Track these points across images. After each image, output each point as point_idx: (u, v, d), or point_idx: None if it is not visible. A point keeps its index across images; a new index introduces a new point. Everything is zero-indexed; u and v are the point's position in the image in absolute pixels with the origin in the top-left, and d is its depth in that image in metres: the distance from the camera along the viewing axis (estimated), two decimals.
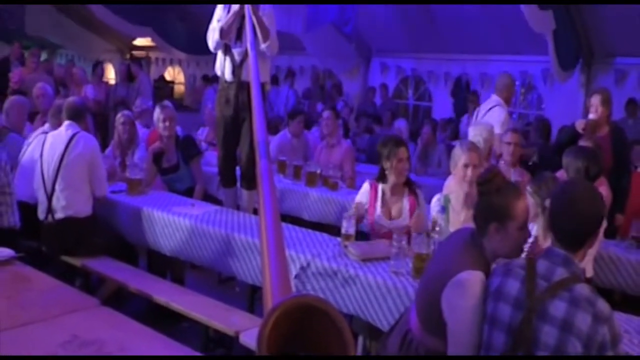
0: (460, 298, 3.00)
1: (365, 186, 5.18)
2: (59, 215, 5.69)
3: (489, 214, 3.13)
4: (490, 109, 7.49)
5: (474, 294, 2.98)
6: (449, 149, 6.69)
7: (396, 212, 5.04)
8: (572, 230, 2.84)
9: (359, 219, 5.10)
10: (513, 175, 5.99)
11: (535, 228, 4.38)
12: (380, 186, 5.08)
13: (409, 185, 5.09)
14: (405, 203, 5.03)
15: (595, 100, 6.44)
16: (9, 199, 5.20)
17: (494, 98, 7.58)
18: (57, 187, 5.68)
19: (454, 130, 10.78)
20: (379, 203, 5.06)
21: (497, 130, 6.83)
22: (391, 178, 4.99)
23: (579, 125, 6.37)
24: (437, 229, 4.68)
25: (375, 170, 5.30)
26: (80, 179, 5.75)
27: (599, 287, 4.95)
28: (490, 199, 3.14)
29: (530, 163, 7.33)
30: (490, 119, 7.25)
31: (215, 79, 14.79)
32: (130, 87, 13.54)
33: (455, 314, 3.02)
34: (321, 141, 8.36)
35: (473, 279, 3.01)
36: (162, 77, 19.36)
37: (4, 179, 5.14)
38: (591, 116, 6.42)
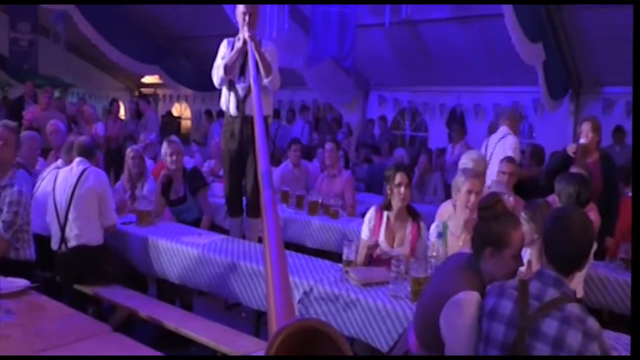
0: (458, 317, 3.02)
1: (371, 212, 5.17)
2: (72, 243, 5.72)
3: (486, 238, 3.17)
4: (502, 138, 7.76)
5: (470, 313, 3.01)
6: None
7: (399, 240, 5.03)
8: (565, 256, 2.87)
9: (370, 255, 5.07)
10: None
11: (528, 253, 4.41)
12: (385, 213, 5.09)
13: (413, 215, 5.10)
14: (408, 231, 5.03)
15: (586, 127, 6.51)
16: (26, 236, 5.23)
17: (503, 128, 7.89)
18: (69, 217, 5.72)
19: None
20: (383, 229, 5.06)
21: (512, 155, 7.14)
22: (394, 204, 5.02)
23: (570, 149, 6.43)
24: (434, 254, 4.70)
25: (374, 199, 5.35)
26: (91, 209, 5.79)
27: (589, 307, 4.94)
28: (489, 225, 3.18)
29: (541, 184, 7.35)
30: (504, 146, 7.56)
31: (220, 113, 14.92)
32: (139, 123, 13.64)
33: (452, 332, 3.05)
34: (322, 172, 8.40)
35: (470, 299, 3.04)
36: (169, 113, 19.44)
37: (26, 217, 5.17)
38: (582, 141, 6.47)
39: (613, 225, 6.29)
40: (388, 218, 5.07)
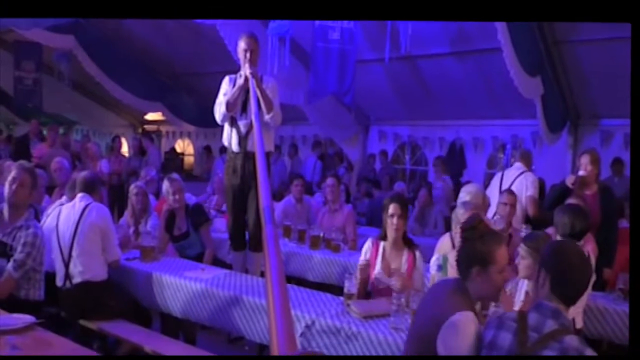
0: (457, 339, 3.08)
1: (368, 244, 5.27)
2: (77, 279, 5.72)
3: (472, 258, 3.27)
4: (521, 173, 7.94)
5: (469, 333, 3.08)
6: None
7: (395, 270, 5.08)
8: (565, 288, 2.91)
9: (365, 279, 5.16)
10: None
11: (526, 284, 4.44)
12: (381, 243, 5.16)
13: (408, 245, 5.14)
14: (404, 260, 5.09)
15: (585, 159, 6.56)
16: (38, 276, 5.25)
17: (518, 165, 8.15)
18: (73, 253, 5.72)
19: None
20: (379, 259, 5.13)
21: (531, 191, 7.56)
22: (389, 234, 5.08)
23: (569, 180, 6.47)
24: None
25: (375, 232, 5.38)
26: (94, 245, 5.79)
27: (588, 338, 4.98)
28: (474, 245, 3.28)
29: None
30: (526, 182, 7.80)
31: (223, 149, 14.96)
32: (142, 160, 13.72)
33: (452, 353, 3.08)
34: (324, 206, 8.43)
35: (465, 319, 3.11)
36: (173, 149, 19.50)
37: (39, 258, 5.20)
38: (581, 173, 6.51)
39: (612, 256, 6.32)
40: (384, 248, 5.16)
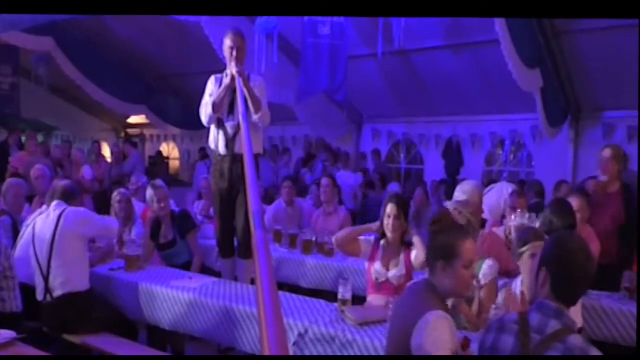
0: (429, 339, 3.08)
1: (371, 238, 5.32)
2: (58, 292, 5.68)
3: (436, 252, 3.33)
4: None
5: (441, 332, 3.10)
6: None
7: (394, 265, 5.10)
8: (568, 285, 2.89)
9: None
10: None
11: (519, 284, 4.44)
12: (381, 242, 5.20)
13: (406, 245, 5.15)
14: (402, 257, 5.11)
15: (606, 154, 6.50)
16: (11, 283, 5.23)
17: None
18: (52, 264, 5.67)
19: (446, 192, 10.79)
20: (379, 255, 5.17)
21: None
22: (387, 234, 5.10)
23: (590, 186, 6.42)
24: None
25: (368, 235, 5.37)
26: (75, 253, 5.77)
27: (592, 340, 4.95)
28: (438, 239, 3.36)
29: None
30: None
31: (204, 153, 14.95)
32: (124, 165, 13.69)
33: (432, 351, 3.06)
34: (317, 209, 8.39)
35: (435, 318, 3.13)
36: (159, 153, 19.41)
37: (5, 263, 5.17)
38: (602, 178, 6.47)
39: (632, 257, 6.27)
40: (383, 247, 5.20)
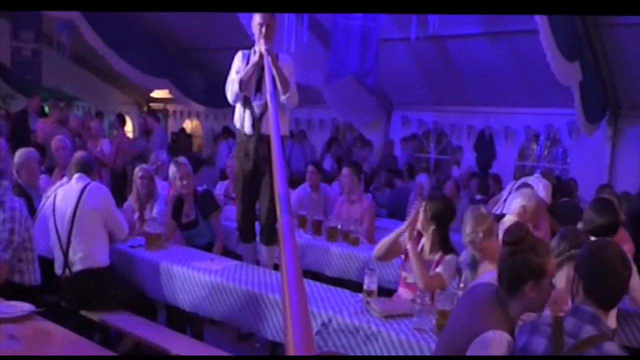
0: (485, 356, 3.06)
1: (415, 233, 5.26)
2: (77, 267, 5.76)
3: (525, 273, 3.18)
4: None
5: (500, 354, 3.04)
6: (474, 204, 6.74)
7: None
8: (605, 291, 2.91)
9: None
10: None
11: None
12: (422, 239, 5.20)
13: (444, 249, 5.14)
14: (434, 263, 5.08)
15: None
16: (30, 255, 5.29)
17: None
18: (72, 239, 5.76)
19: (478, 185, 10.74)
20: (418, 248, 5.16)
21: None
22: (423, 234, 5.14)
23: None
24: (462, 285, 4.73)
25: (397, 226, 5.37)
26: (95, 229, 5.85)
27: (625, 346, 4.93)
28: (527, 258, 3.18)
29: None
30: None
31: (227, 133, 14.91)
32: (148, 141, 13.73)
33: None
34: (341, 195, 8.39)
35: (499, 338, 3.07)
36: (182, 130, 19.41)
37: (25, 234, 5.23)
38: None
39: None
40: (423, 244, 5.22)
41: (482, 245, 4.86)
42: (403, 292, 5.20)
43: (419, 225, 5.08)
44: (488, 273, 3.90)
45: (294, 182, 9.39)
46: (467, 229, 4.92)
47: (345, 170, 8.21)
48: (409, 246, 4.96)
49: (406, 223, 5.12)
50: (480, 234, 4.84)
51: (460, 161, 13.28)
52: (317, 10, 10.59)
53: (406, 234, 5.16)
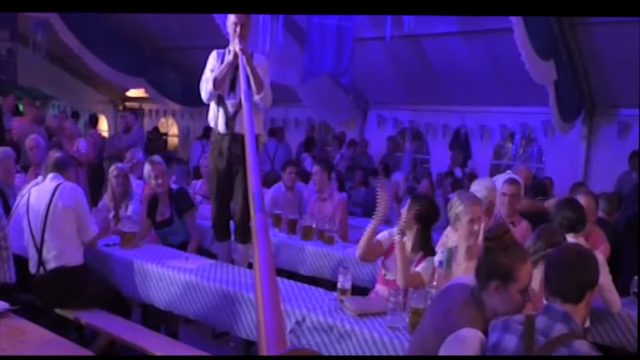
0: (458, 354, 3.08)
1: (393, 231, 5.23)
2: (51, 265, 5.77)
3: (492, 271, 3.22)
4: None
5: (473, 351, 3.07)
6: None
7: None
8: (566, 289, 2.95)
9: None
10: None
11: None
12: (404, 238, 5.16)
13: (425, 249, 5.17)
14: (415, 262, 5.10)
15: None
16: (4, 254, 5.27)
17: None
18: (46, 237, 5.76)
19: (452, 184, 10.75)
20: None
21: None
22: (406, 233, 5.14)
23: None
24: (435, 283, 4.75)
25: (384, 227, 5.40)
26: (68, 227, 5.84)
27: (598, 344, 4.98)
28: (496, 257, 3.22)
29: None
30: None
31: (206, 132, 14.86)
32: (126, 138, 13.69)
33: None
34: (314, 193, 8.41)
35: (472, 336, 3.11)
36: (156, 129, 19.38)
37: (0, 233, 5.21)
38: None
39: None
40: (404, 243, 5.14)
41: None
42: (381, 289, 5.23)
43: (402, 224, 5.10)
44: (464, 276, 3.92)
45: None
46: None
47: (315, 168, 8.27)
48: (397, 245, 4.94)
49: (375, 218, 5.09)
50: None
51: None
52: (292, 12, 10.60)
53: (386, 233, 5.24)
